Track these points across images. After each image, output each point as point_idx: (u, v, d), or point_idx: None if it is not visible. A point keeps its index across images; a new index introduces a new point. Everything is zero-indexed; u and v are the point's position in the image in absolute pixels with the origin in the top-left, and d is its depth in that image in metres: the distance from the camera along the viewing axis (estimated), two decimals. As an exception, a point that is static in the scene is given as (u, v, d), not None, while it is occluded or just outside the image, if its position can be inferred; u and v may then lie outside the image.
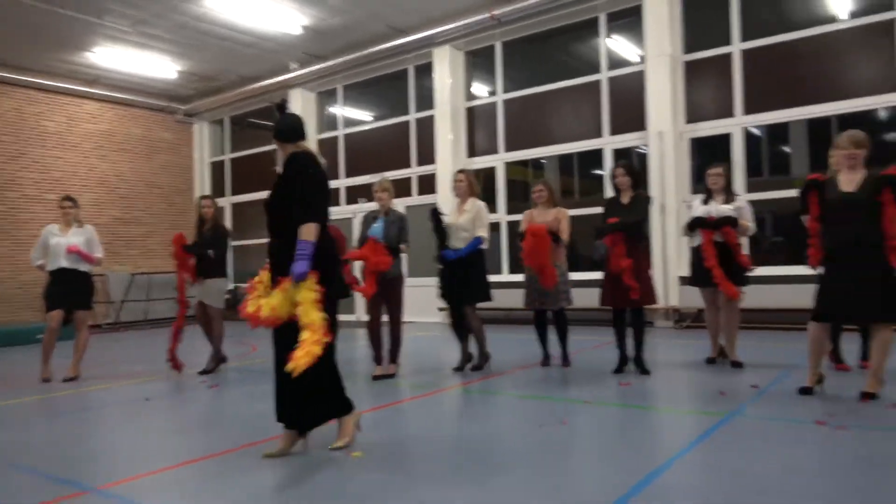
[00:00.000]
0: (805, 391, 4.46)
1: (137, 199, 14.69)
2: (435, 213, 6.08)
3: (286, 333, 3.26)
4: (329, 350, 3.33)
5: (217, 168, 15.99)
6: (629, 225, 5.33)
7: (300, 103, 13.71)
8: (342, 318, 4.76)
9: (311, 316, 3.20)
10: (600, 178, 10.51)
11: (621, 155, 10.16)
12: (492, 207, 11.54)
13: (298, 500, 2.80)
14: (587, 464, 3.19)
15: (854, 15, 8.80)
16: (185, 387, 5.86)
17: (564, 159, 11.16)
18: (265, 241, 3.64)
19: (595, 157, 10.54)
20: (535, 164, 11.57)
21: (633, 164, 5.74)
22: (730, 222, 5.51)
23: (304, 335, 3.17)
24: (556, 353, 6.17)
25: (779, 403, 4.32)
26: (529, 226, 5.80)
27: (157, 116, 15.16)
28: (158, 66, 12.85)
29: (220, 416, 4.82)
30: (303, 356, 3.09)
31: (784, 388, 4.70)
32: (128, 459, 3.56)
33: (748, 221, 5.64)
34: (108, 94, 14.00)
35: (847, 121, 8.66)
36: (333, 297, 3.41)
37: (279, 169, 3.51)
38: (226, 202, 15.59)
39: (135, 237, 14.63)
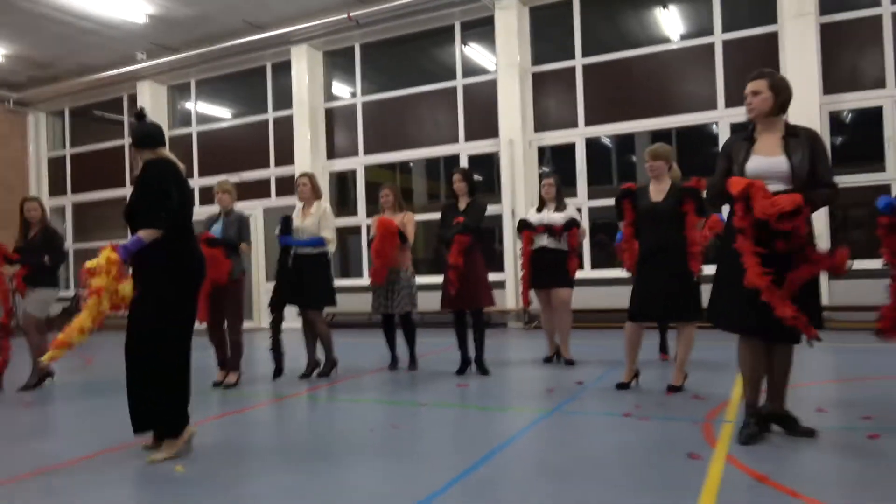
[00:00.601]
0: (622, 386, 4.82)
1: (-42, 196, 13.24)
2: (286, 220, 5.96)
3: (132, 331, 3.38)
4: (178, 356, 3.42)
5: (56, 164, 14.74)
6: (470, 227, 5.50)
7: (149, 97, 12.96)
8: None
9: (90, 305, 3.28)
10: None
11: (477, 161, 10.48)
12: (351, 210, 11.53)
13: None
14: (404, 465, 3.25)
15: (683, 37, 9.64)
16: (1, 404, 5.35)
17: (431, 163, 11.34)
18: (110, 242, 3.51)
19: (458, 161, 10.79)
20: (403, 167, 11.66)
21: (470, 171, 5.94)
22: (575, 224, 5.96)
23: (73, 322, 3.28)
24: (405, 357, 6.25)
25: (597, 398, 4.64)
26: (380, 219, 5.87)
27: (-17, 104, 13.76)
28: (-20, 49, 11.66)
29: (23, 436, 4.44)
30: (57, 345, 3.27)
31: (605, 384, 5.05)
32: None
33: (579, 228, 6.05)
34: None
35: (684, 133, 9.48)
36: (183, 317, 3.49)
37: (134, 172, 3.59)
38: (66, 202, 14.42)
39: (-45, 238, 13.17)
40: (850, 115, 8.81)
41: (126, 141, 13.76)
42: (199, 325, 4.38)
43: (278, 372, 5.84)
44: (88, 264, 3.32)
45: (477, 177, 10.66)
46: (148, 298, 3.37)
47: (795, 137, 3.30)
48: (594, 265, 9.68)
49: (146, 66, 12.41)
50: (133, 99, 13.41)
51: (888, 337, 3.37)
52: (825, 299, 7.90)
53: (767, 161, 3.27)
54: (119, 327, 3.41)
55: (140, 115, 3.61)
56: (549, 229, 5.95)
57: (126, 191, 13.60)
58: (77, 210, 14.51)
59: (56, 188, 14.63)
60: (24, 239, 6.09)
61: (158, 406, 3.40)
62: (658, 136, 9.45)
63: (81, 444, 3.82)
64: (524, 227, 6.12)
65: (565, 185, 9.76)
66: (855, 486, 2.78)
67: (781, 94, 3.32)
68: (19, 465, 3.47)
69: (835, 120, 8.71)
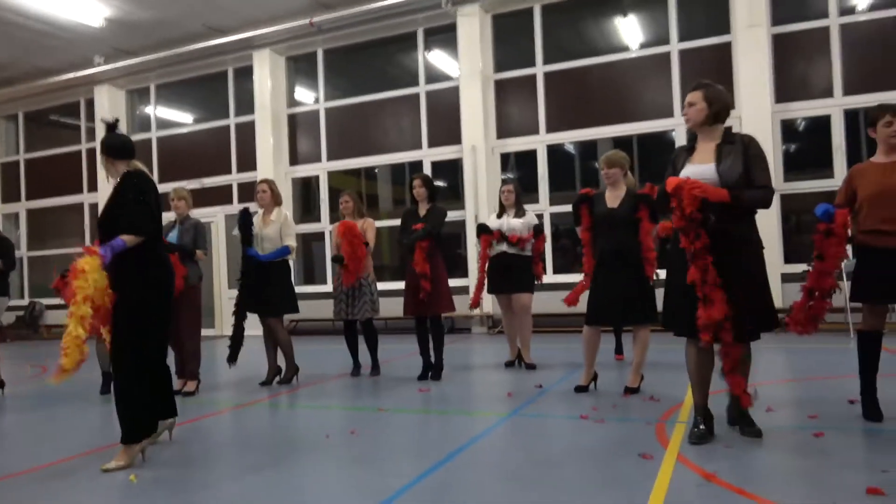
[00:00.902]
0: (580, 389, 4.89)
1: None
2: (245, 213, 5.92)
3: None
4: (141, 364, 3.46)
5: (10, 169, 14.35)
6: (429, 232, 5.52)
7: (107, 101, 12.73)
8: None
9: (72, 323, 3.22)
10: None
11: (441, 167, 10.54)
12: (315, 216, 11.47)
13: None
14: (360, 471, 3.25)
15: (642, 46, 9.84)
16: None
17: (396, 169, 11.34)
18: (67, 250, 3.51)
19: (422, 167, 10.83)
20: (368, 173, 11.64)
21: (430, 177, 5.98)
22: (541, 232, 6.13)
23: (65, 339, 3.20)
24: (367, 363, 6.24)
25: (556, 401, 4.71)
26: (342, 223, 5.92)
27: (-68, 107, 13.34)
28: (-70, 51, 11.32)
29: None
30: (62, 363, 3.18)
31: (564, 387, 5.13)
32: None
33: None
34: None
35: (645, 140, 9.67)
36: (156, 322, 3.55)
37: (109, 182, 3.68)
38: (20, 208, 14.05)
39: None
40: (802, 122, 9.09)
41: (84, 147, 13.49)
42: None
43: (233, 358, 5.87)
44: (75, 268, 3.27)
45: (441, 183, 10.74)
46: (123, 304, 3.43)
47: (730, 144, 3.41)
48: (556, 270, 9.80)
49: (104, 70, 12.19)
50: (90, 103, 13.15)
51: (794, 330, 3.56)
52: (779, 301, 8.18)
53: (698, 168, 3.38)
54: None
55: (113, 126, 3.70)
56: (503, 236, 6.04)
57: (84, 197, 13.32)
58: (32, 217, 14.14)
59: (9, 195, 14.24)
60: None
61: (118, 412, 3.45)
62: (619, 142, 9.62)
63: (33, 455, 3.74)
64: (482, 231, 6.19)
65: (528, 191, 9.94)
66: (799, 483, 2.87)
67: (715, 105, 3.42)
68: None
69: (787, 128, 8.99)
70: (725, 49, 9.11)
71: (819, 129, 8.82)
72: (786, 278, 8.46)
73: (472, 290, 6.58)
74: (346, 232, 5.83)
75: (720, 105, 3.45)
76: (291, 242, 5.93)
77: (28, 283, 13.89)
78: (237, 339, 5.87)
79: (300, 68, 11.94)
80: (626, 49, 9.92)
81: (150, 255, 3.52)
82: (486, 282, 6.33)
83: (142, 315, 3.46)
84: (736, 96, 8.95)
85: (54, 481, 3.27)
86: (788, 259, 8.76)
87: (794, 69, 8.85)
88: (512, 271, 6.04)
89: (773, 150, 8.59)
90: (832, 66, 8.62)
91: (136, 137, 12.94)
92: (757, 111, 8.66)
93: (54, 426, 4.69)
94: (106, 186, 13.01)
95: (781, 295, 8.37)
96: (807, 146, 9.26)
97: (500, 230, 6.07)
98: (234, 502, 2.87)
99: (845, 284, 7.73)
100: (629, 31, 10.06)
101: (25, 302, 13.21)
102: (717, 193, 3.21)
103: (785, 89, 8.82)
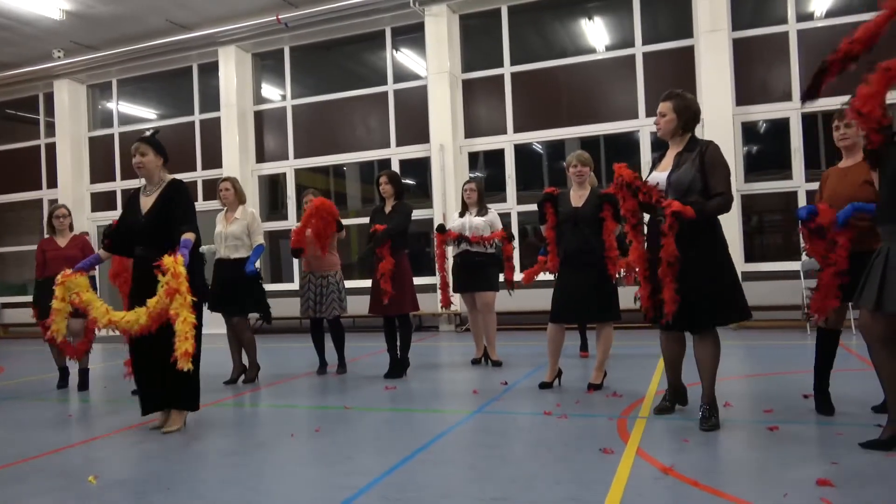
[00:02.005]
0: (545, 385, 4.95)
1: None
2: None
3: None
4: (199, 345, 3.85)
5: (-34, 165, 13.92)
6: (391, 233, 5.52)
7: (67, 96, 12.45)
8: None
9: (184, 312, 3.64)
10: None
11: (410, 165, 10.55)
12: (282, 214, 11.38)
13: None
14: (324, 469, 3.25)
15: (608, 48, 9.97)
16: None
17: (365, 167, 11.29)
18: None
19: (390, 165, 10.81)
20: (336, 171, 11.57)
21: (398, 174, 5.98)
22: (512, 238, 6.21)
23: (180, 327, 3.60)
24: (334, 361, 6.23)
25: (520, 398, 4.76)
26: (318, 199, 5.81)
27: None
28: None
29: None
30: (185, 347, 3.58)
31: (529, 384, 5.18)
32: None
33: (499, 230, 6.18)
34: None
35: (612, 141, 9.79)
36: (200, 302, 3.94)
37: (145, 183, 4.24)
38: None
39: None
40: (763, 125, 9.31)
41: (42, 142, 13.17)
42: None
43: (241, 373, 5.99)
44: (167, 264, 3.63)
45: (409, 181, 10.75)
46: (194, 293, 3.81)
47: (689, 152, 3.61)
48: (523, 268, 9.86)
49: (63, 64, 11.92)
50: (49, 97, 12.84)
51: (821, 316, 3.74)
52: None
53: (656, 176, 3.68)
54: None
55: (155, 134, 4.34)
56: (462, 237, 6.09)
57: (43, 193, 13.00)
58: (-11, 213, 13.75)
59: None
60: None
61: (188, 386, 4.01)
62: (586, 142, 9.74)
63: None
64: (438, 231, 6.25)
65: (496, 190, 10.01)
66: (753, 475, 2.95)
67: (684, 115, 3.66)
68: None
69: (748, 130, 9.20)
70: (688, 53, 9.29)
71: (779, 131, 9.05)
72: (746, 276, 8.67)
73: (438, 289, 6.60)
74: (320, 208, 5.73)
75: (689, 115, 3.67)
76: (261, 240, 5.90)
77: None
78: (237, 355, 6.02)
79: (267, 65, 11.83)
80: (592, 51, 10.05)
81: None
82: (449, 280, 6.36)
83: (201, 302, 3.99)
84: (699, 99, 9.07)
85: (9, 485, 3.20)
86: (749, 258, 8.97)
87: (753, 73, 9.07)
88: (475, 270, 6.07)
89: (734, 152, 8.79)
90: (791, 70, 8.84)
91: (97, 133, 12.79)
92: (718, 113, 8.85)
93: (14, 425, 4.57)
94: (69, 183, 12.64)
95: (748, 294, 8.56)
96: (766, 148, 9.49)
97: (460, 231, 6.10)
98: (199, 501, 2.84)
99: (802, 283, 7.96)
100: (595, 33, 10.19)
101: (-18, 300, 12.86)
102: (685, 211, 3.36)
103: (745, 92, 9.02)
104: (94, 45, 11.52)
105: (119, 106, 12.75)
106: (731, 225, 8.27)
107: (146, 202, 4.11)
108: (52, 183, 12.78)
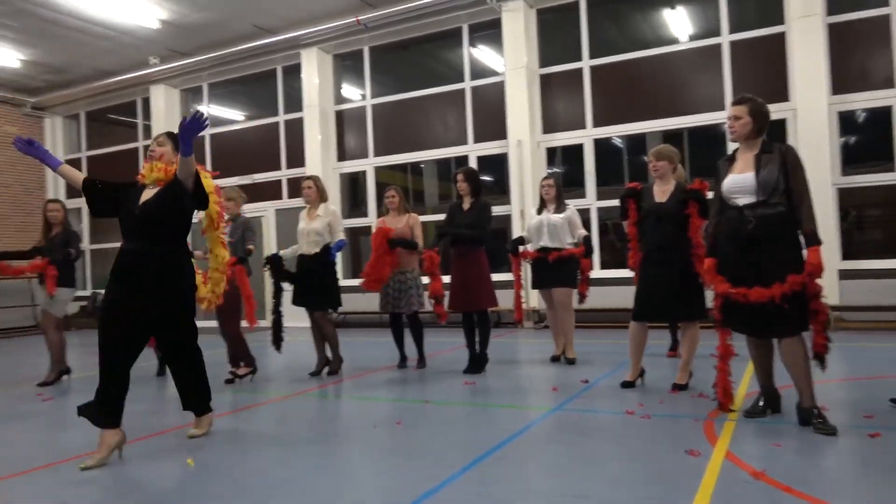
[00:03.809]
0: (627, 385, 4.86)
1: (-23, 199, 13.49)
2: (275, 260, 6.10)
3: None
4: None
5: (73, 166, 14.83)
6: (461, 236, 5.60)
7: (163, 100, 13.15)
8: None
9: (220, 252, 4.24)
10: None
11: (488, 162, 10.56)
12: (362, 211, 11.63)
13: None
14: (406, 461, 3.32)
15: (692, 38, 9.64)
16: (20, 400, 5.48)
17: (442, 164, 11.39)
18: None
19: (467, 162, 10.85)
20: (414, 168, 11.73)
21: (475, 171, 6.01)
22: (591, 252, 6.24)
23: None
24: (414, 355, 6.32)
25: (601, 397, 4.69)
26: (379, 228, 6.00)
27: (1, 108, 13.97)
28: (-2, 55, 11.88)
29: (41, 429, 4.56)
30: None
31: (610, 383, 5.10)
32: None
33: (578, 228, 6.11)
34: (-59, 82, 12.79)
35: (696, 134, 9.48)
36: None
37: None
38: (83, 203, 14.60)
39: (-26, 240, 13.41)
40: (863, 114, 8.76)
41: (140, 144, 13.96)
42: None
43: (325, 366, 6.15)
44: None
45: (486, 178, 10.75)
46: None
47: (768, 154, 3.65)
48: (603, 266, 9.71)
49: (159, 70, 12.58)
50: (147, 102, 13.59)
51: None
52: (836, 299, 7.95)
53: (739, 178, 3.66)
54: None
55: (202, 120, 3.86)
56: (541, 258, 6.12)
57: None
58: (92, 212, 14.69)
59: (72, 190, 14.80)
60: (45, 239, 6.28)
61: (207, 388, 3.99)
62: (669, 136, 9.46)
63: (94, 439, 3.91)
64: (512, 251, 6.30)
65: (575, 185, 9.87)
66: (851, 484, 2.81)
67: (759, 119, 3.69)
68: (35, 457, 3.58)
69: (846, 120, 8.68)
70: (779, 40, 8.85)
71: (879, 120, 8.49)
72: (843, 275, 8.21)
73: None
74: (377, 241, 5.88)
75: (763, 118, 3.71)
76: (342, 236, 6.06)
77: (91, 274, 14.48)
78: (321, 347, 6.18)
79: (347, 66, 12.10)
80: (674, 42, 9.74)
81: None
82: (523, 294, 6.40)
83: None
84: (790, 88, 8.70)
85: (118, 464, 3.43)
86: (846, 255, 8.48)
87: (851, 59, 8.55)
88: (552, 266, 6.01)
89: (829, 143, 8.33)
90: (893, 55, 8.28)
91: (189, 135, 13.43)
92: (812, 103, 8.41)
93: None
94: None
95: (839, 293, 8.12)
96: (866, 138, 8.92)
97: (538, 229, 6.14)
98: (282, 488, 2.97)
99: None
100: (678, 23, 9.87)
101: (88, 293, 13.76)
102: (817, 261, 3.46)
103: (842, 80, 8.52)
104: (187, 52, 12.10)
105: (210, 109, 13.36)
106: (827, 220, 7.84)
107: (146, 195, 3.72)
108: (149, 183, 13.52)
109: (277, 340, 6.10)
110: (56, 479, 3.23)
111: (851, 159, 8.70)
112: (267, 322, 6.71)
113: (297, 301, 6.02)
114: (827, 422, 3.47)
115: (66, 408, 5.27)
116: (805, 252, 3.51)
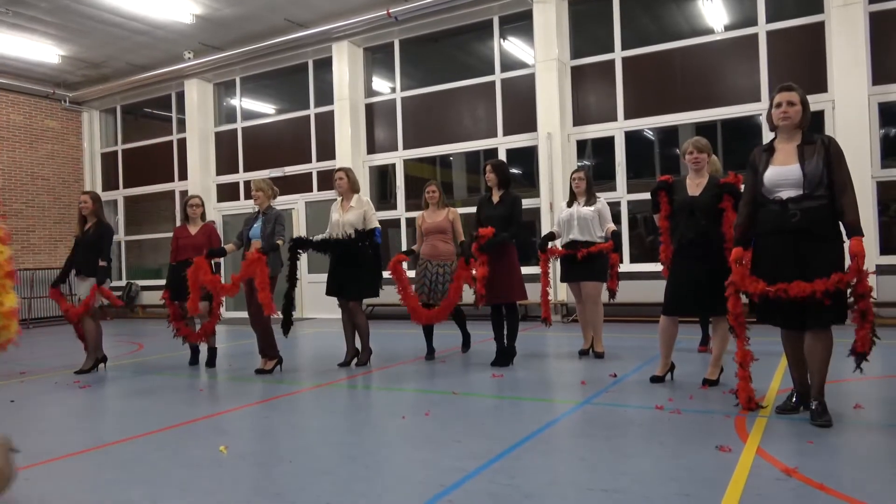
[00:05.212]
0: (656, 379, 4.82)
1: (18, 191, 13.85)
2: (302, 240, 6.10)
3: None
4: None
5: (109, 159, 15.28)
6: (503, 241, 5.60)
7: (196, 94, 13.35)
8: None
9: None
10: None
11: (517, 154, 10.51)
12: (391, 204, 11.68)
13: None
14: (433, 451, 3.34)
15: (727, 28, 9.46)
16: (57, 387, 5.64)
17: (471, 157, 11.37)
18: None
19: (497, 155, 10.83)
20: (443, 161, 11.73)
21: (503, 163, 5.99)
22: (619, 247, 6.22)
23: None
24: (441, 347, 6.35)
25: (630, 391, 4.65)
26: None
27: (42, 103, 14.33)
28: (38, 50, 12.16)
29: (82, 415, 4.69)
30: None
31: (639, 378, 5.06)
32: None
33: (608, 221, 6.05)
34: (-16, 77, 13.15)
35: (729, 126, 9.32)
36: None
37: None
38: (118, 195, 14.95)
39: (16, 231, 13.78)
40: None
41: (175, 137, 14.21)
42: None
43: (354, 356, 6.17)
44: None
45: (516, 170, 10.70)
46: None
47: (811, 144, 3.57)
48: (632, 259, 9.62)
49: (193, 65, 12.77)
50: (181, 96, 13.82)
51: None
52: (874, 295, 7.74)
53: (782, 170, 3.58)
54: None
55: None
56: (568, 256, 6.06)
57: (175, 185, 14.04)
58: (128, 203, 15.02)
59: (109, 183, 15.16)
60: (81, 231, 6.43)
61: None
62: (702, 128, 9.31)
63: (129, 426, 4.03)
64: (541, 248, 6.22)
65: (606, 178, 9.78)
66: (885, 482, 2.75)
67: (808, 109, 3.65)
68: (74, 442, 3.69)
69: (886, 111, 8.44)
70: (818, 29, 8.64)
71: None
72: (882, 270, 8.01)
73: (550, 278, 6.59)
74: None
75: (809, 109, 3.65)
76: (376, 223, 6.09)
77: (125, 265, 14.80)
78: (350, 338, 6.20)
79: (377, 59, 12.14)
80: (709, 32, 9.56)
81: None
82: (550, 291, 6.36)
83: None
84: (829, 79, 8.49)
85: (152, 451, 3.52)
86: (885, 250, 8.27)
87: (893, 49, 8.30)
88: (581, 260, 5.96)
89: (869, 135, 8.11)
90: (938, 44, 8.03)
91: (222, 128, 13.62)
92: (852, 94, 8.19)
93: (149, 399, 5.01)
94: (198, 175, 13.58)
95: (876, 288, 7.92)
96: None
97: (567, 222, 6.09)
98: (311, 476, 3.01)
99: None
100: (713, 13, 9.69)
101: (123, 283, 14.07)
102: (860, 248, 3.42)
103: (883, 71, 8.28)
104: (220, 46, 12.26)
105: (242, 102, 13.52)
106: (866, 214, 7.64)
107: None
108: (183, 175, 13.78)
109: (287, 324, 6.02)
110: (92, 465, 3.33)
111: (892, 152, 8.47)
112: (297, 314, 6.76)
113: (331, 291, 6.06)
114: (825, 415, 3.52)
115: (102, 396, 5.41)
116: (847, 243, 3.46)
